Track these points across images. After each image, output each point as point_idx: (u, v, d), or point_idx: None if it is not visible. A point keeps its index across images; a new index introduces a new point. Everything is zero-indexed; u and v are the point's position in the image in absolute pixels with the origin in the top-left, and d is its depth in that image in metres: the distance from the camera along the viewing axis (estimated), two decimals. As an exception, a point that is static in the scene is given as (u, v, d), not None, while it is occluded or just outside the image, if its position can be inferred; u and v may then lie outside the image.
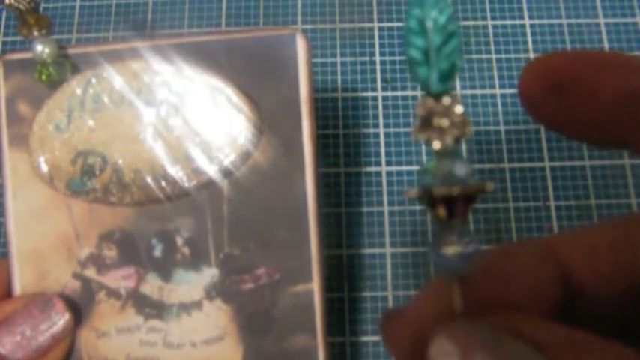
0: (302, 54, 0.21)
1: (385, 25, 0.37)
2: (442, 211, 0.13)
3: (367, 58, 0.36)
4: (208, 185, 0.21)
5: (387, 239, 0.33)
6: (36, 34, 0.21)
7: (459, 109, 0.14)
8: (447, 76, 0.13)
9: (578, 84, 0.13)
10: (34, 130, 0.21)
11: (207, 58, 0.21)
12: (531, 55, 0.36)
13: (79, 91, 0.21)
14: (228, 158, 0.21)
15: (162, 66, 0.21)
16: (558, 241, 0.14)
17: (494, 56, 0.36)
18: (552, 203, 0.33)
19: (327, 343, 0.20)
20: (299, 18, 0.38)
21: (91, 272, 0.21)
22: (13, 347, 0.18)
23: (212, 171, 0.21)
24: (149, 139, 0.21)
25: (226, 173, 0.21)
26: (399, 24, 0.37)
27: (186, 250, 0.21)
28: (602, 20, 0.37)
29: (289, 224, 0.20)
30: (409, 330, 0.13)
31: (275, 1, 0.38)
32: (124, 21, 0.38)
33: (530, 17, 0.37)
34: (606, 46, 0.36)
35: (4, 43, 0.37)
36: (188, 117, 0.21)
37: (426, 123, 0.14)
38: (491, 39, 0.37)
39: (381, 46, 0.37)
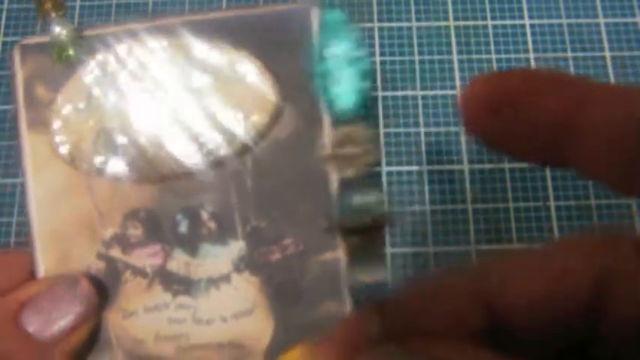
0: (317, 23, 0.21)
1: (385, 25, 0.37)
2: (354, 241, 0.13)
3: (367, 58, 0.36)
4: (232, 159, 0.21)
5: (387, 239, 0.33)
6: (53, 15, 0.21)
7: (366, 137, 0.14)
8: (355, 104, 0.14)
9: (518, 106, 0.13)
10: (53, 112, 0.21)
11: (224, 34, 0.21)
12: (531, 55, 0.36)
13: (97, 71, 0.21)
14: (251, 132, 0.21)
15: (180, 42, 0.21)
16: (488, 266, 0.14)
17: (494, 56, 0.36)
18: (552, 203, 0.33)
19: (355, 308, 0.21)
20: (299, 18, 0.38)
21: (115, 252, 0.21)
22: (38, 326, 0.19)
23: (235, 145, 0.21)
24: (170, 116, 0.21)
25: (249, 146, 0.21)
26: (399, 24, 0.37)
27: (212, 225, 0.21)
28: (602, 20, 0.37)
29: (313, 194, 0.20)
30: (334, 355, 0.14)
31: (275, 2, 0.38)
32: (124, 21, 0.38)
33: (530, 17, 0.37)
34: (606, 46, 0.36)
35: (4, 43, 0.37)
36: (209, 92, 0.21)
37: (337, 151, 0.14)
38: (491, 39, 0.37)
39: (381, 46, 0.37)
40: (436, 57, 0.36)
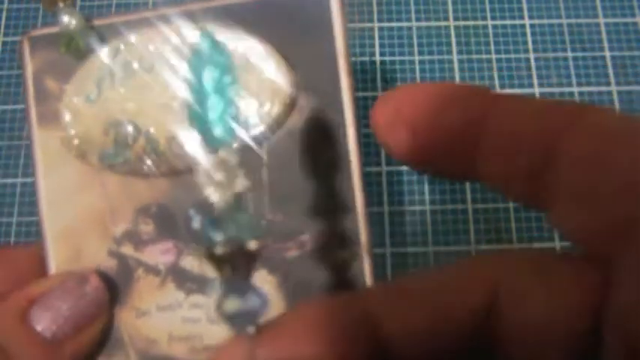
0: (335, 9, 0.20)
1: (385, 25, 0.37)
2: (224, 269, 0.13)
3: (367, 58, 0.36)
4: (246, 150, 0.19)
5: (387, 240, 0.33)
6: (61, 5, 0.20)
7: (233, 164, 0.14)
8: (225, 131, 0.14)
9: (422, 121, 0.13)
10: (63, 104, 0.20)
11: (238, 20, 0.20)
12: (531, 55, 0.36)
13: (107, 61, 0.21)
14: (266, 121, 0.20)
15: (193, 30, 0.20)
16: (371, 296, 0.14)
17: (494, 56, 0.36)
18: (552, 203, 0.33)
19: None
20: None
21: (127, 249, 0.20)
22: (48, 324, 0.18)
23: (249, 136, 0.20)
24: (182, 105, 0.21)
25: (265, 137, 0.20)
26: (399, 24, 0.37)
27: None
28: (602, 20, 0.37)
29: (332, 187, 0.20)
30: None
31: (275, 1, 0.38)
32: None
33: (530, 17, 0.37)
34: (606, 46, 0.36)
35: (4, 43, 0.37)
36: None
37: (210, 178, 0.14)
38: (491, 39, 0.37)
39: (381, 46, 0.37)
40: (436, 57, 0.36)
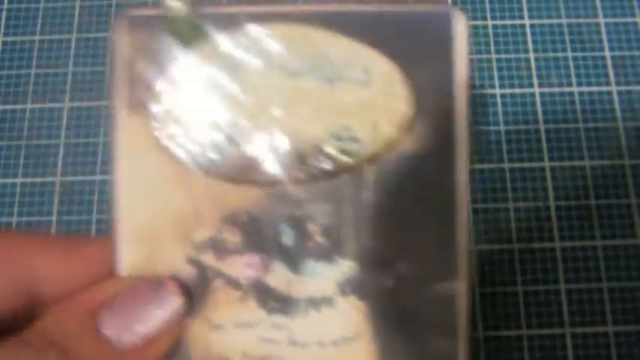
0: (461, 31, 0.19)
1: (385, 25, 0.37)
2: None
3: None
4: (352, 169, 0.18)
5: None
6: None
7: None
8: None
9: None
10: (159, 93, 0.19)
11: (359, 29, 0.19)
12: (531, 55, 0.36)
13: (216, 54, 0.19)
14: (378, 140, 0.18)
15: (314, 33, 0.19)
16: None
17: (494, 56, 0.36)
18: (552, 203, 0.33)
19: (471, 348, 0.18)
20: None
21: (207, 258, 0.18)
22: (117, 330, 0.16)
23: (359, 153, 0.18)
24: (292, 113, 0.19)
25: (373, 157, 0.18)
26: (399, 24, 0.37)
27: (319, 239, 0.18)
28: (602, 20, 0.37)
29: (436, 216, 0.18)
30: None
31: (275, 1, 0.38)
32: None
33: (531, 17, 0.37)
34: (606, 46, 0.36)
35: (4, 43, 0.37)
36: (339, 91, 0.19)
37: None
38: (491, 39, 0.37)
39: (381, 46, 0.37)
40: (436, 57, 0.36)
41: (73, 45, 0.37)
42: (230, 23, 0.19)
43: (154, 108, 0.19)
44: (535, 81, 0.36)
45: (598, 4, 0.37)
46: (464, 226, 0.18)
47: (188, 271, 0.18)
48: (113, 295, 0.17)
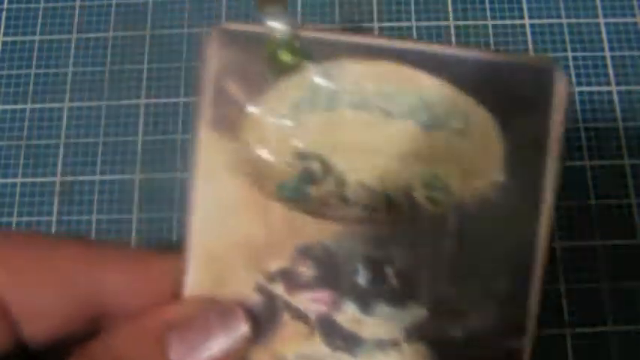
0: (560, 90, 0.18)
1: (385, 25, 0.37)
2: None
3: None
4: (436, 216, 0.18)
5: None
6: (272, 7, 0.17)
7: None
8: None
9: None
10: (248, 117, 0.18)
11: (458, 74, 0.18)
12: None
13: (311, 84, 0.18)
14: (466, 192, 0.18)
15: (413, 74, 0.18)
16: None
17: (494, 56, 0.36)
18: (552, 203, 0.33)
19: None
20: (299, 18, 0.38)
21: (278, 288, 0.18)
22: (183, 355, 0.16)
23: (445, 202, 0.18)
24: (384, 154, 0.18)
25: (458, 206, 0.18)
26: (399, 24, 0.37)
27: (394, 283, 0.18)
28: (602, 20, 0.37)
29: (514, 272, 0.18)
30: None
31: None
32: (124, 21, 0.38)
33: (530, 17, 0.37)
34: (606, 46, 0.36)
35: (4, 43, 0.37)
36: (435, 138, 0.18)
37: None
38: (491, 39, 0.37)
39: (381, 45, 0.37)
40: (436, 57, 0.36)
41: (73, 45, 0.37)
42: (326, 55, 0.18)
43: (240, 130, 0.18)
44: (535, 81, 0.36)
45: (598, 4, 0.37)
46: (539, 285, 0.18)
47: (256, 299, 0.18)
48: (181, 318, 0.17)
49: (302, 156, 0.18)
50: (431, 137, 0.18)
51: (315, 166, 0.18)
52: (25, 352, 0.16)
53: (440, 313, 0.18)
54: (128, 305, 0.17)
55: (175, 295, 0.18)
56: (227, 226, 0.18)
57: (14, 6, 0.38)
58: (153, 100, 0.36)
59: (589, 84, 0.36)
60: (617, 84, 0.36)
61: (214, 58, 0.18)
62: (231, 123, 0.18)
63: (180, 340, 0.16)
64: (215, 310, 0.17)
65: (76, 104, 0.36)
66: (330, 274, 0.18)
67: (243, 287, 0.18)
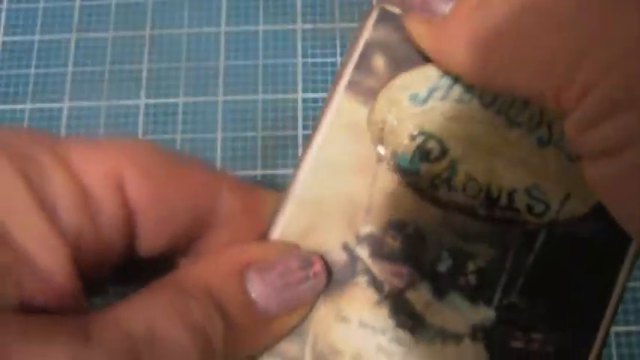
0: (632, 252, 0.19)
1: (385, 24, 0.37)
2: None
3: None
4: (529, 227, 0.19)
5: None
6: None
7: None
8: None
9: None
10: (387, 87, 0.19)
11: None
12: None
13: (452, 76, 0.19)
14: (564, 212, 0.18)
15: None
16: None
17: (494, 56, 0.36)
18: (552, 203, 0.33)
19: None
20: (299, 18, 0.38)
21: (363, 252, 0.19)
22: (262, 295, 0.17)
23: (542, 216, 0.19)
24: (498, 156, 0.19)
25: (552, 225, 0.18)
26: (399, 23, 0.37)
27: (472, 279, 0.18)
28: (602, 19, 0.37)
29: (591, 295, 0.18)
30: None
31: (275, 1, 0.38)
32: (124, 21, 0.38)
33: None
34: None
35: (4, 43, 0.37)
36: (548, 155, 0.19)
37: None
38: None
39: (381, 45, 0.37)
40: (436, 56, 0.36)
41: (73, 45, 0.37)
42: None
43: (374, 98, 0.19)
44: (535, 80, 0.36)
45: (598, 3, 0.37)
46: (613, 311, 0.18)
47: (339, 258, 0.19)
48: (264, 259, 0.17)
49: (424, 134, 0.19)
50: (544, 153, 0.19)
51: (433, 145, 0.19)
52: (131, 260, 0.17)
53: (507, 322, 0.18)
54: (232, 226, 0.18)
55: (264, 234, 0.19)
56: (334, 181, 0.19)
57: (14, 6, 0.38)
58: (153, 100, 0.36)
59: (589, 83, 0.36)
60: (618, 83, 0.36)
61: (368, 31, 0.19)
62: (365, 88, 0.19)
63: (260, 280, 0.17)
64: (296, 258, 0.18)
65: (76, 104, 0.36)
66: (415, 253, 0.18)
67: (331, 240, 0.19)
